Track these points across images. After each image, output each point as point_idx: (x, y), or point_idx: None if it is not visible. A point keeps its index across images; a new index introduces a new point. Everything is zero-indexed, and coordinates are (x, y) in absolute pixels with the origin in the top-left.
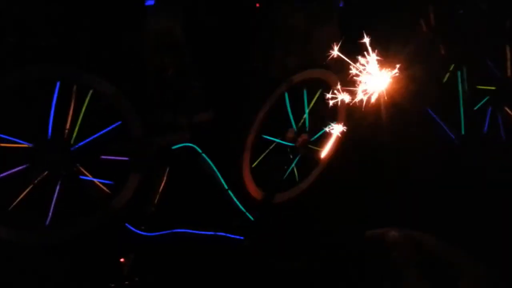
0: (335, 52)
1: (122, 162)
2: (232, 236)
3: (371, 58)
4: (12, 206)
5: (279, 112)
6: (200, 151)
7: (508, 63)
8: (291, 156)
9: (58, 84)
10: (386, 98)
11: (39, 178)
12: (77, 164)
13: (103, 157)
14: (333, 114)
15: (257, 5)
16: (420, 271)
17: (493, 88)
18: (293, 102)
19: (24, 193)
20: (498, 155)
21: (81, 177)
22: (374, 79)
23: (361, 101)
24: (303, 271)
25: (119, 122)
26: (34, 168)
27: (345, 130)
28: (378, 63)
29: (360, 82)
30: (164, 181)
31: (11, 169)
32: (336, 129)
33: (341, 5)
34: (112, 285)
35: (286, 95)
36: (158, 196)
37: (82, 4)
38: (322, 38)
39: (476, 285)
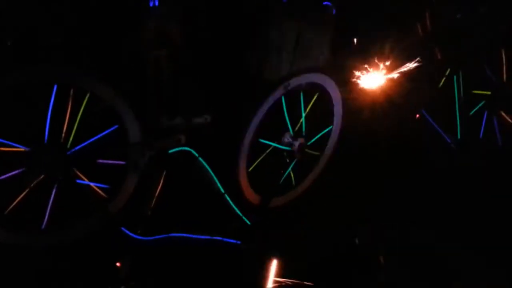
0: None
1: (118, 166)
2: (229, 240)
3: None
4: (8, 209)
5: (276, 116)
6: (196, 155)
7: (504, 68)
8: (287, 160)
9: (55, 87)
10: (382, 102)
11: (35, 182)
12: (73, 168)
13: (99, 161)
14: (330, 118)
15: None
16: (415, 273)
17: (488, 92)
18: (290, 106)
19: (20, 196)
20: (494, 159)
21: (78, 181)
22: (369, 82)
23: (358, 104)
24: (300, 273)
25: (116, 126)
26: (30, 172)
27: (341, 133)
28: (373, 67)
29: (356, 85)
30: (160, 185)
31: (7, 173)
32: (333, 133)
33: (334, 12)
34: None
35: (283, 98)
36: (154, 200)
37: (80, 6)
38: (318, 42)
39: (473, 284)
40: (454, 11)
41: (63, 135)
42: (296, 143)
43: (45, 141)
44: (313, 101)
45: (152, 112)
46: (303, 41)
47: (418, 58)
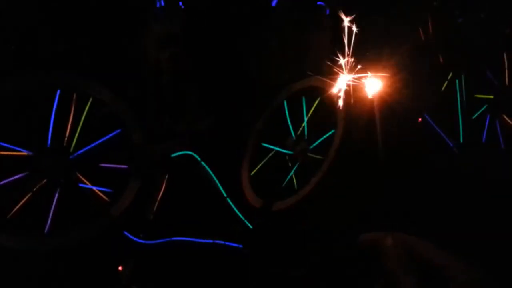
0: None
1: (121, 170)
2: (231, 244)
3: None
4: (11, 213)
5: (278, 120)
6: (199, 159)
7: (506, 72)
8: (290, 164)
9: (58, 92)
10: (384, 105)
11: (38, 186)
12: (76, 172)
13: (102, 165)
14: (332, 122)
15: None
16: (414, 277)
17: (491, 96)
18: (292, 110)
19: (23, 200)
20: (497, 162)
21: (80, 184)
22: (370, 86)
23: (359, 108)
24: (302, 279)
25: (119, 130)
26: (33, 176)
27: (343, 137)
28: (375, 70)
29: (356, 89)
30: (163, 189)
31: (10, 177)
32: (335, 137)
33: (328, 12)
34: None
35: (285, 103)
36: (156, 204)
37: (83, 11)
38: (320, 46)
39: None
40: (456, 16)
41: (66, 139)
42: (298, 147)
43: (48, 145)
44: (315, 105)
45: (154, 116)
46: (303, 45)
47: (420, 62)
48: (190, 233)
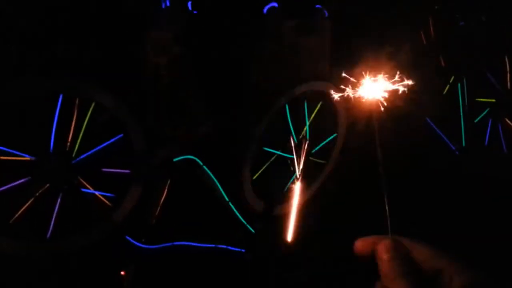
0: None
1: (123, 174)
2: (233, 248)
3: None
4: (13, 218)
5: (280, 124)
6: (201, 163)
7: (508, 75)
8: (292, 168)
9: (60, 97)
10: (386, 108)
11: (40, 191)
12: (78, 176)
13: (104, 169)
14: (334, 126)
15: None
16: (411, 280)
17: (493, 100)
18: (294, 114)
19: (26, 205)
20: (499, 165)
21: (83, 189)
22: (372, 89)
23: (361, 111)
24: (303, 283)
25: (121, 135)
26: (36, 181)
27: (345, 141)
28: (376, 73)
29: (358, 93)
30: (165, 194)
31: (13, 182)
32: (337, 141)
33: (326, 14)
34: None
35: (287, 107)
36: (159, 208)
37: (85, 17)
38: (319, 50)
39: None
40: (457, 19)
41: (68, 144)
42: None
43: (51, 150)
44: (317, 109)
45: (156, 120)
46: (303, 49)
47: (421, 65)
48: (192, 237)
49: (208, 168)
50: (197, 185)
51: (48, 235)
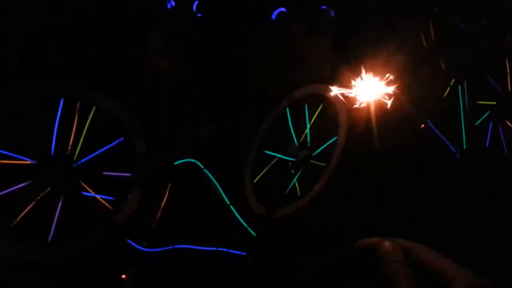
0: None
1: (124, 178)
2: (234, 251)
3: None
4: (15, 222)
5: (281, 127)
6: (202, 166)
7: (508, 78)
8: (292, 171)
9: (62, 101)
10: (386, 111)
11: (41, 194)
12: (79, 180)
13: (105, 173)
14: (334, 129)
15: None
16: (412, 282)
17: (493, 103)
18: (295, 118)
19: (27, 209)
20: (500, 168)
21: (84, 193)
22: (373, 92)
23: (362, 115)
24: (305, 285)
25: (122, 139)
26: (37, 185)
27: (346, 144)
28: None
29: (359, 96)
30: (166, 197)
31: (14, 185)
32: (338, 143)
33: (332, 15)
34: None
35: (288, 110)
36: (160, 211)
37: (86, 23)
38: (322, 53)
39: None
40: (457, 22)
41: (69, 147)
42: (301, 154)
43: (52, 154)
44: (317, 112)
45: (157, 124)
46: (306, 52)
47: (422, 68)
48: (193, 240)
49: (209, 171)
50: (198, 188)
51: (50, 238)
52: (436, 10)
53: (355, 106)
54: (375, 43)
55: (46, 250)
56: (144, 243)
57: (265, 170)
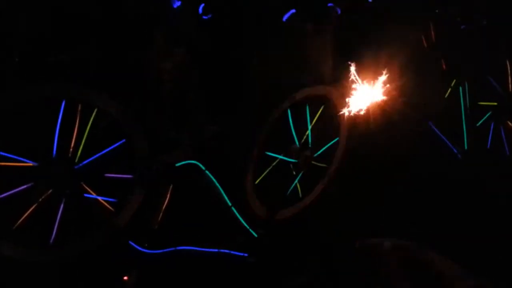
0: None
1: (126, 179)
2: (236, 253)
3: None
4: (17, 224)
5: (282, 128)
6: (203, 168)
7: (510, 78)
8: (294, 173)
9: (63, 103)
10: (387, 112)
11: (43, 197)
12: (81, 182)
13: (107, 175)
14: (336, 130)
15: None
16: (413, 281)
17: (494, 103)
18: (296, 119)
19: (29, 211)
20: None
21: (85, 195)
22: (374, 94)
23: (363, 116)
24: (307, 286)
25: (123, 140)
26: (39, 187)
27: (347, 145)
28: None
29: (361, 97)
30: (167, 199)
31: (16, 187)
32: (339, 145)
33: (339, 12)
34: None
35: (289, 111)
36: (161, 213)
37: (88, 24)
38: (323, 55)
39: None
40: (458, 23)
41: (71, 149)
42: (302, 155)
43: (53, 156)
44: (319, 113)
45: (159, 126)
46: (306, 53)
47: (423, 69)
48: (194, 242)
49: (211, 173)
50: (200, 190)
51: (51, 240)
52: (437, 11)
53: (356, 107)
54: (376, 44)
55: (48, 252)
56: (146, 245)
57: (266, 172)
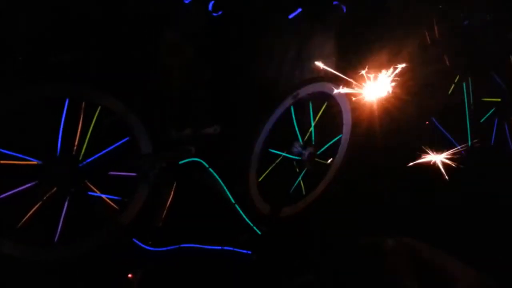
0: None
1: (130, 177)
2: (240, 250)
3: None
4: (21, 223)
5: (285, 125)
6: (206, 165)
7: None
8: (297, 170)
9: (67, 101)
10: (391, 109)
11: (47, 195)
12: (85, 180)
13: (111, 173)
14: (339, 127)
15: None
16: (416, 278)
17: (498, 100)
18: (299, 116)
19: (33, 210)
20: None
21: (90, 193)
22: (378, 90)
23: (367, 112)
24: (311, 285)
25: (127, 138)
26: (43, 185)
27: (351, 142)
28: (381, 74)
29: (364, 94)
30: (171, 196)
31: (20, 186)
32: (343, 141)
33: (344, 10)
34: None
35: (292, 108)
36: (165, 211)
37: (91, 21)
38: (326, 51)
39: None
40: (461, 18)
41: (75, 147)
42: (306, 153)
43: (57, 154)
44: (322, 110)
45: (162, 123)
46: (309, 50)
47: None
48: (198, 239)
49: (214, 170)
50: (203, 188)
51: (56, 238)
52: (440, 6)
53: (360, 104)
54: (380, 40)
55: (52, 250)
56: (150, 242)
57: (270, 169)
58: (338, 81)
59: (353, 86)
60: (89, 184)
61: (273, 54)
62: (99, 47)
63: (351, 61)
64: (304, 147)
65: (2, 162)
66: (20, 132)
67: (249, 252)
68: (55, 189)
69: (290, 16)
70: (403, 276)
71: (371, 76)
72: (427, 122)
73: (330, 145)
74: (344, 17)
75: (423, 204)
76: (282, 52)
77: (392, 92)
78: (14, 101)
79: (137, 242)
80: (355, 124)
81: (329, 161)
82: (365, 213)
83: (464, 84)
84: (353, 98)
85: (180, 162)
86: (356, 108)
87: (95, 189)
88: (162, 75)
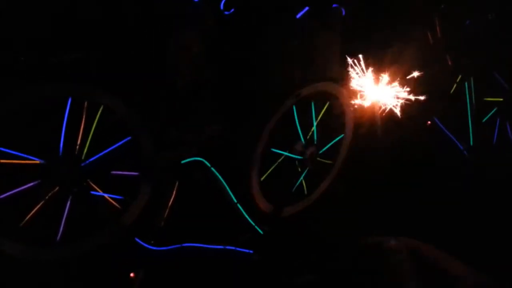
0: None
1: (132, 177)
2: (242, 250)
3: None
4: (23, 222)
5: (287, 125)
6: (209, 165)
7: None
8: (299, 169)
9: (69, 100)
10: (393, 109)
11: (50, 194)
12: (87, 179)
13: (113, 172)
14: (341, 127)
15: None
16: (418, 279)
17: (500, 99)
18: (301, 115)
19: (36, 209)
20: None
21: (92, 192)
22: (379, 90)
23: (369, 112)
24: (313, 285)
25: (129, 138)
26: (45, 184)
27: (353, 142)
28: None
29: (366, 94)
30: (173, 196)
31: (22, 185)
32: (344, 141)
33: (343, 13)
34: None
35: (294, 108)
36: (167, 210)
37: (94, 21)
38: (329, 51)
39: None
40: (463, 18)
41: (77, 147)
42: (308, 152)
43: (60, 154)
44: (324, 110)
45: (164, 123)
46: (311, 50)
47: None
48: (200, 239)
49: (216, 170)
50: (205, 187)
51: (58, 238)
52: (442, 6)
53: (362, 103)
54: (381, 41)
55: (55, 250)
56: (152, 242)
57: (272, 168)
58: (340, 81)
59: (356, 86)
60: (91, 184)
61: (279, 53)
62: (102, 47)
63: (354, 62)
64: (306, 146)
65: (4, 161)
66: (22, 131)
67: (251, 251)
68: (57, 188)
69: (298, 16)
70: (404, 276)
71: (374, 77)
72: (429, 122)
73: (332, 145)
74: (346, 18)
75: (423, 204)
76: (288, 51)
77: (396, 92)
78: (16, 101)
79: (139, 241)
80: (357, 124)
81: (331, 160)
82: (365, 213)
83: (466, 84)
84: (355, 99)
85: (182, 162)
86: (358, 108)
87: (97, 189)
88: (168, 75)
